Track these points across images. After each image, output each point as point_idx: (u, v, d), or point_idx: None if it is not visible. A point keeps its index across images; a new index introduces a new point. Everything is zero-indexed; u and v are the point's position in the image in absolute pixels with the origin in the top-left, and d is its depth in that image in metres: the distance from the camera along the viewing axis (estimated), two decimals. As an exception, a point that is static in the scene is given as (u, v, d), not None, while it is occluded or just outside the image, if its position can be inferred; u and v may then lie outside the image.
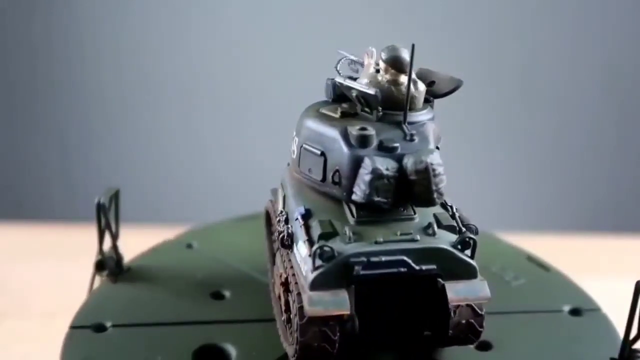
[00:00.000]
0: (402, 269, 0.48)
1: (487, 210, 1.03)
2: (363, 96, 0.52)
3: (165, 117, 1.33)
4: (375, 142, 0.50)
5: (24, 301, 0.93)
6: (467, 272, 0.50)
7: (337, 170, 0.51)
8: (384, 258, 0.48)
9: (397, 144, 0.50)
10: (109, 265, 0.66)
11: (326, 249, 0.47)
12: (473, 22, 1.27)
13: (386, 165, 0.49)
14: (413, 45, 0.50)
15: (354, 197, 0.50)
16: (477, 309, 0.50)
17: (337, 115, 0.53)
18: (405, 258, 0.48)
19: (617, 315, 0.64)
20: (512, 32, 1.27)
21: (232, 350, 0.57)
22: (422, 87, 0.53)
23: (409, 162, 0.49)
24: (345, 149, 0.50)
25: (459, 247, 0.49)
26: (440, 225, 0.51)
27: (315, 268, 0.48)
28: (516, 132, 1.32)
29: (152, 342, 0.57)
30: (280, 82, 1.26)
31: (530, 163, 1.33)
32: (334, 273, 0.48)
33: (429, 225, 0.50)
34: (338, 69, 0.55)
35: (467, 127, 1.24)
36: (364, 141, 0.50)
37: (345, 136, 0.51)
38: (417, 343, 0.54)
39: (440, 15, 1.26)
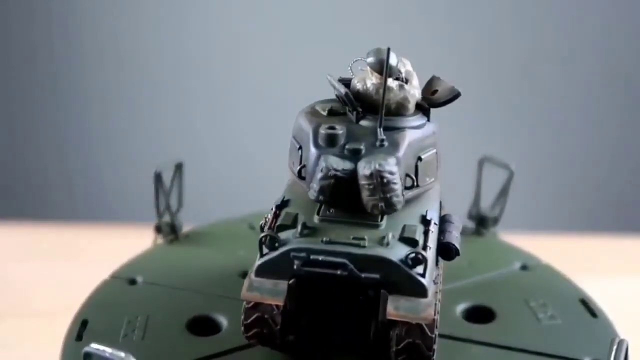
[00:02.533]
0: (343, 272, 0.47)
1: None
2: (339, 95, 0.52)
3: (166, 116, 1.33)
4: (342, 142, 0.50)
5: (24, 301, 0.93)
6: (413, 289, 0.47)
7: (304, 166, 0.51)
8: (322, 257, 0.47)
9: (361, 147, 0.49)
10: (164, 230, 0.73)
11: (271, 238, 0.48)
12: (473, 22, 1.27)
13: (338, 166, 0.48)
14: (388, 49, 0.50)
15: (309, 194, 0.50)
16: (426, 329, 0.49)
17: (324, 113, 0.53)
18: (346, 262, 0.47)
19: (618, 316, 0.64)
20: (512, 33, 1.27)
21: (224, 322, 0.60)
22: (410, 92, 0.52)
23: (360, 167, 0.48)
24: (311, 145, 0.50)
25: (410, 262, 0.47)
26: (402, 237, 0.49)
27: (261, 255, 0.49)
28: (516, 131, 1.33)
29: (163, 302, 0.62)
30: (288, 81, 1.26)
31: (530, 163, 1.33)
32: (279, 264, 0.48)
33: (387, 234, 0.49)
34: (351, 67, 0.54)
35: (466, 126, 1.24)
36: (329, 140, 0.50)
37: (315, 133, 0.50)
38: (372, 352, 0.53)
39: (441, 15, 1.27)
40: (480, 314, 0.62)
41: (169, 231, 0.73)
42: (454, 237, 0.52)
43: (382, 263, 0.47)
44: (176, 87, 1.31)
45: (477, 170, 0.78)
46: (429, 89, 0.54)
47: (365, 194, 0.48)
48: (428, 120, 0.53)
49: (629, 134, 1.33)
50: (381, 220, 0.50)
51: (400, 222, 0.50)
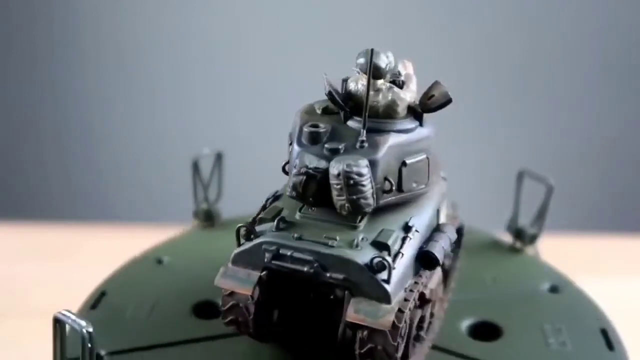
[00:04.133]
0: (309, 270, 0.48)
1: (487, 210, 1.03)
2: (326, 94, 0.52)
3: (165, 117, 1.33)
4: (324, 141, 0.50)
5: (24, 301, 0.93)
6: (375, 293, 0.48)
7: (288, 162, 0.52)
8: (290, 252, 0.49)
9: (339, 147, 0.49)
10: (199, 216, 0.76)
11: (245, 230, 0.50)
12: (471, 21, 1.27)
13: (311, 164, 0.49)
14: (372, 50, 0.50)
15: (286, 189, 0.51)
16: (389, 336, 0.48)
17: (319, 112, 0.53)
18: (312, 259, 0.48)
19: (618, 316, 0.64)
20: (511, 32, 1.27)
21: None
22: (400, 95, 0.51)
23: (330, 166, 0.48)
24: (295, 142, 0.51)
25: (375, 266, 0.47)
26: (374, 241, 0.49)
27: (238, 245, 0.51)
28: (516, 131, 1.33)
29: (178, 284, 0.65)
30: (290, 82, 1.26)
31: (530, 162, 1.32)
32: (252, 255, 0.50)
33: (357, 237, 0.49)
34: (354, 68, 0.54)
35: (465, 126, 1.24)
36: (311, 138, 0.50)
37: (300, 131, 0.51)
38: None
39: (440, 14, 1.27)
40: (486, 331, 0.61)
41: (204, 218, 0.76)
42: (439, 246, 0.52)
43: (347, 264, 0.48)
44: (177, 86, 1.31)
45: (515, 183, 0.76)
46: (427, 93, 0.53)
47: (334, 194, 0.48)
48: (420, 124, 0.52)
49: (629, 134, 1.33)
50: (360, 222, 0.50)
51: (379, 226, 0.50)
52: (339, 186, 0.48)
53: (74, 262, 1.00)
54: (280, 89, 1.26)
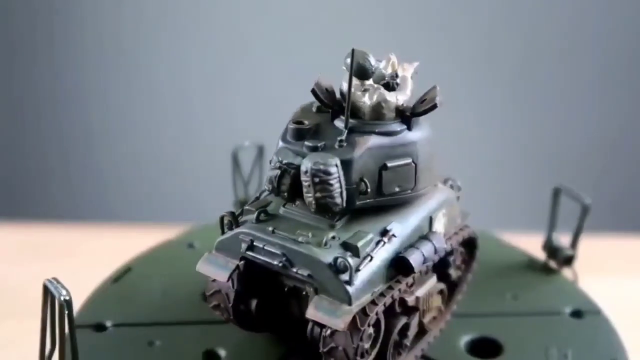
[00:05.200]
0: (278, 264, 0.49)
1: (487, 210, 1.03)
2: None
3: (166, 117, 1.33)
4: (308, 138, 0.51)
5: (24, 301, 0.93)
6: (338, 294, 0.48)
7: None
8: (262, 245, 0.50)
9: (318, 145, 0.50)
10: (238, 207, 0.75)
11: (227, 219, 0.52)
12: (470, 22, 1.27)
13: (285, 159, 0.50)
14: (353, 50, 0.49)
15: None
16: (351, 337, 0.48)
17: (314, 109, 0.54)
18: (279, 253, 0.49)
19: (618, 316, 0.64)
20: (508, 32, 1.27)
21: None
22: (387, 97, 0.51)
23: (302, 163, 0.49)
24: (280, 138, 0.52)
25: (339, 266, 0.48)
26: (344, 242, 0.49)
27: (222, 233, 0.53)
28: (515, 130, 1.32)
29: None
30: (292, 81, 1.26)
31: (529, 161, 1.33)
32: (232, 244, 0.51)
33: (328, 236, 0.49)
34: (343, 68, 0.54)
35: (465, 125, 1.24)
36: (294, 135, 0.51)
37: (286, 127, 0.52)
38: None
39: (442, 15, 1.27)
40: (485, 348, 0.59)
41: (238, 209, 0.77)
42: (417, 254, 0.51)
43: (312, 261, 0.48)
44: (177, 88, 1.31)
45: (551, 200, 0.73)
46: (422, 97, 0.52)
47: (304, 190, 0.49)
48: (409, 128, 0.52)
49: (629, 133, 1.33)
50: (338, 221, 0.50)
51: (357, 227, 0.51)
52: (307, 183, 0.48)
53: (74, 262, 1.00)
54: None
